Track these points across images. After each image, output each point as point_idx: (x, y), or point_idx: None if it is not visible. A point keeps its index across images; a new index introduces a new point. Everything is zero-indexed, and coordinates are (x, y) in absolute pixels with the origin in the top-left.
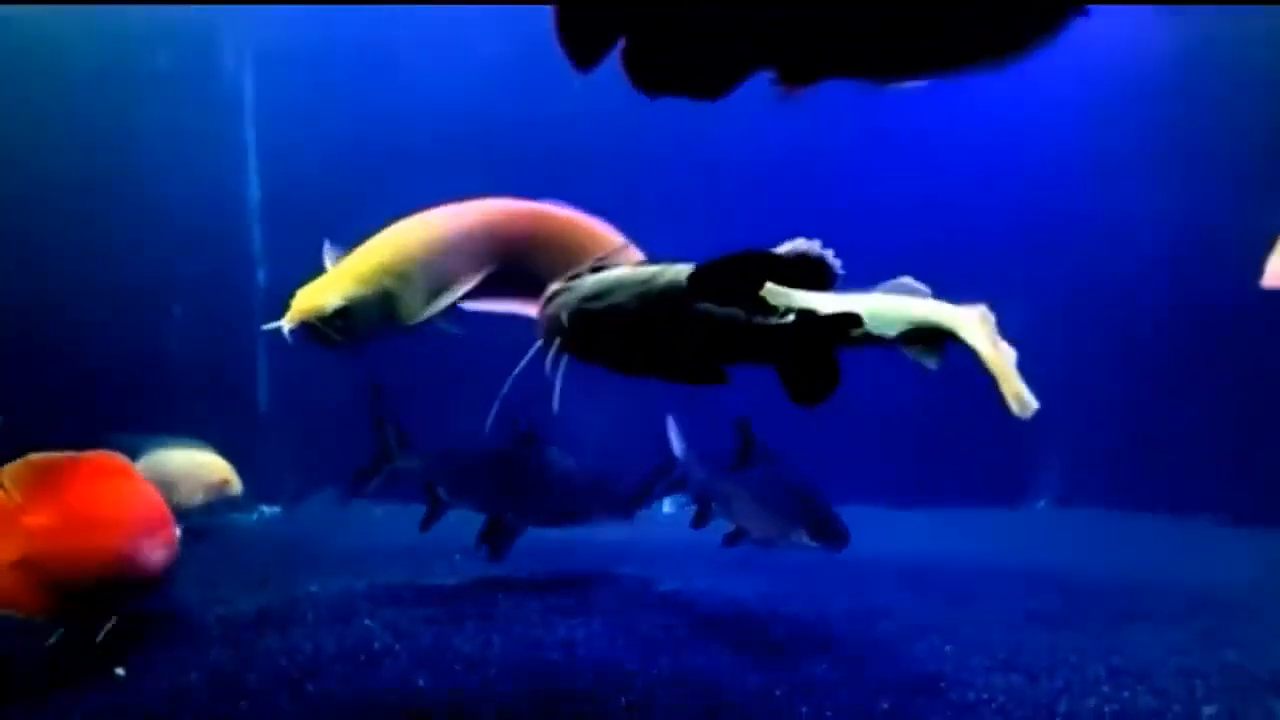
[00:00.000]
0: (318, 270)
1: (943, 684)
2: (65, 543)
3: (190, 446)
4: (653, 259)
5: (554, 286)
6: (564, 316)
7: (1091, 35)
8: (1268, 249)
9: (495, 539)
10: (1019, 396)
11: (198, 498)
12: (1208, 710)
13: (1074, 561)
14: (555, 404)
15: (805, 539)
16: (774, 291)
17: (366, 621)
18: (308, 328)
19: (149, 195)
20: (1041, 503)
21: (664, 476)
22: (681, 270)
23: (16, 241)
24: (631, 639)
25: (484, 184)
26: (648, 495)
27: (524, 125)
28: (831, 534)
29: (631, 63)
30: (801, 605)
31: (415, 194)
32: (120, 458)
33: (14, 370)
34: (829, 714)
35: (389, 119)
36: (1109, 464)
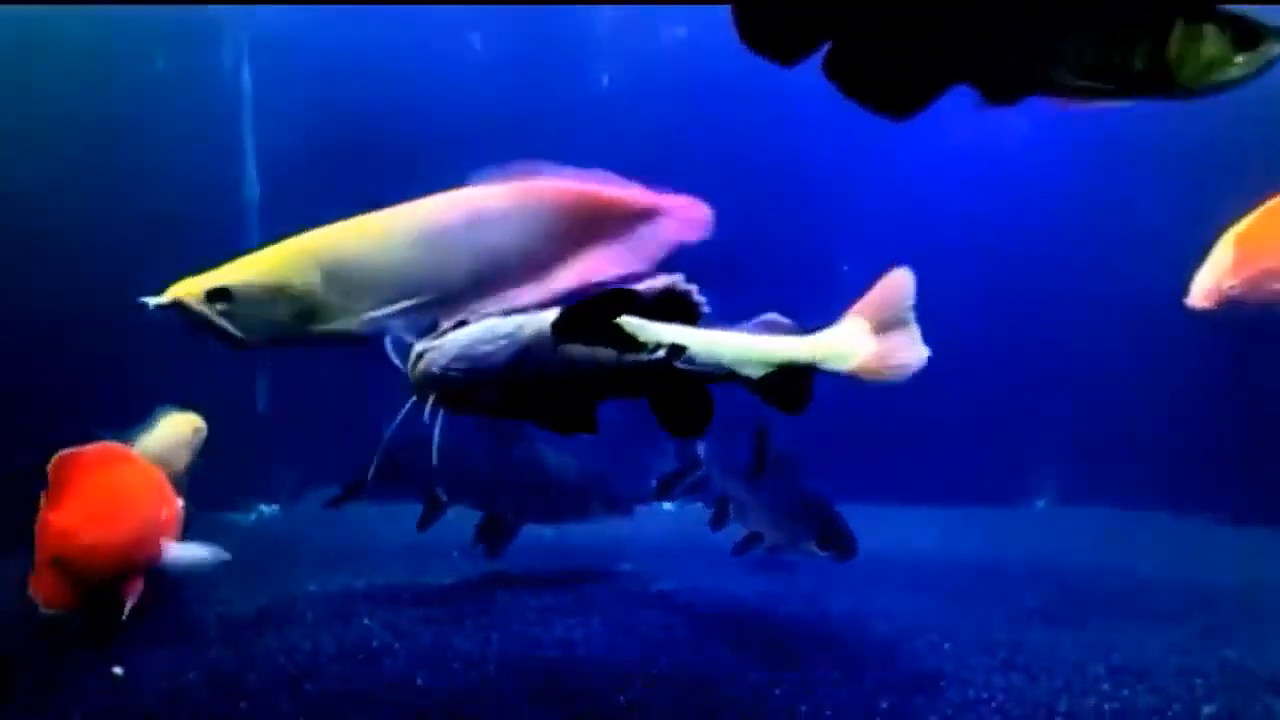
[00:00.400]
0: None
1: (942, 683)
2: (90, 537)
3: (159, 418)
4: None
5: (420, 346)
6: (434, 375)
7: None
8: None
9: (492, 536)
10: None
11: (184, 457)
12: (1207, 709)
13: (1073, 560)
14: (434, 457)
15: (814, 548)
16: (642, 328)
17: (365, 620)
18: (183, 310)
19: (149, 193)
20: (1041, 501)
21: (686, 477)
22: (546, 318)
23: (13, 239)
24: (630, 637)
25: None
26: (668, 492)
27: (530, 120)
28: (839, 544)
29: (835, 68)
30: (801, 604)
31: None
32: (118, 445)
33: (11, 371)
34: (828, 713)
35: (391, 116)
36: (1109, 463)
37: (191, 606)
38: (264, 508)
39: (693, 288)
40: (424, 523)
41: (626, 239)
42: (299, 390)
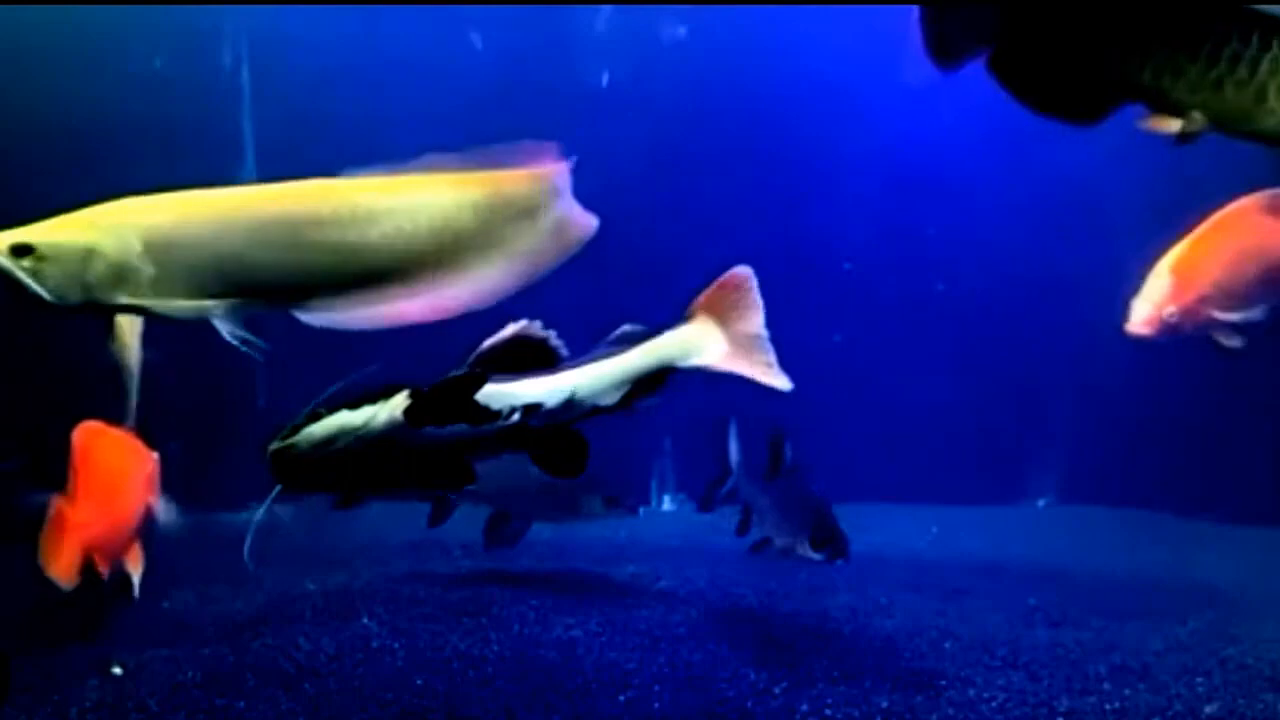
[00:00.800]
0: None
1: (943, 681)
2: (105, 520)
3: None
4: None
5: (273, 446)
6: (292, 470)
7: None
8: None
9: (498, 533)
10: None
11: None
12: (1209, 708)
13: (1075, 559)
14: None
15: (808, 550)
16: (495, 394)
17: (364, 620)
18: None
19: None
20: (1042, 501)
21: (720, 486)
22: (396, 405)
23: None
24: (630, 637)
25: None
26: (707, 503)
27: (528, 117)
28: (828, 544)
29: (1004, 72)
30: (801, 602)
31: None
32: (91, 423)
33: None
34: (828, 712)
35: (390, 114)
36: (1109, 462)
37: (190, 606)
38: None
39: (551, 333)
40: (435, 520)
41: (530, 237)
42: (299, 388)
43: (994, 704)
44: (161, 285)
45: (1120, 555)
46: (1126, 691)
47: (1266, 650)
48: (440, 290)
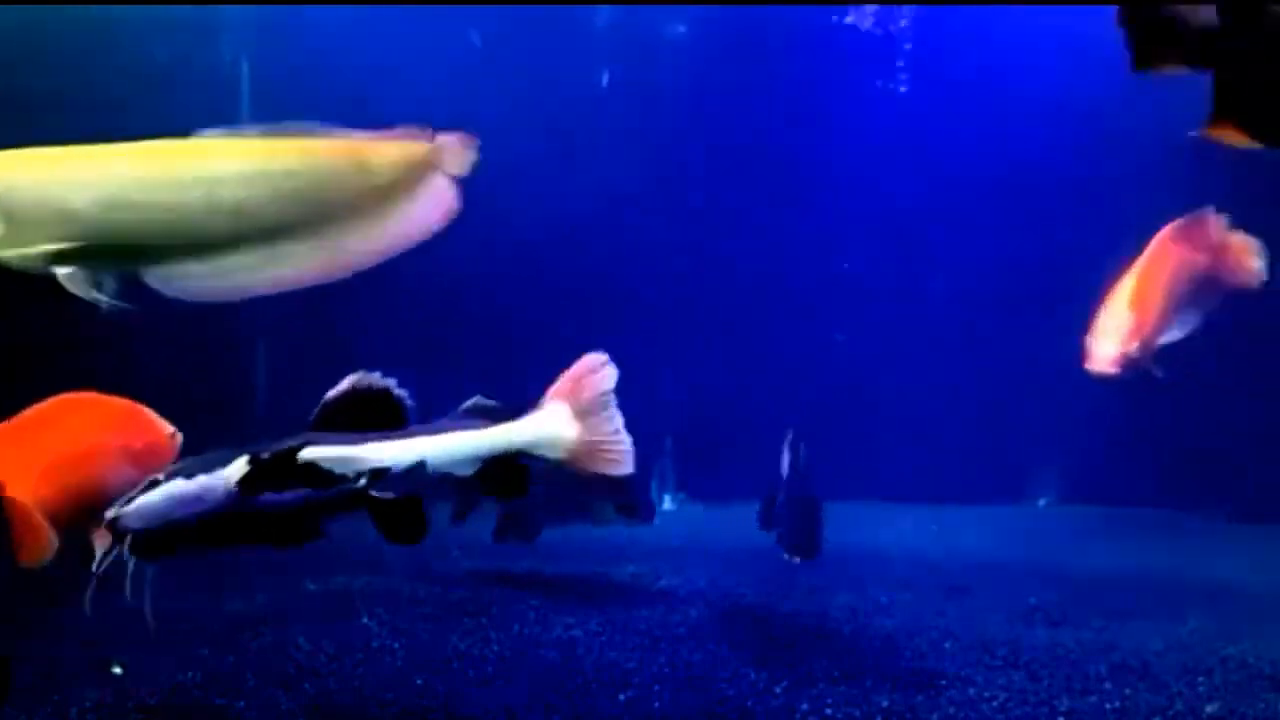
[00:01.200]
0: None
1: (943, 681)
2: (69, 492)
3: None
4: None
5: (110, 513)
6: (130, 540)
7: None
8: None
9: (508, 529)
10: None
11: None
12: (1210, 708)
13: (1075, 558)
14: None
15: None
16: (342, 458)
17: (364, 620)
18: None
19: None
20: (1043, 500)
21: (774, 502)
22: (232, 475)
23: None
24: (630, 637)
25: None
26: (767, 523)
27: (522, 121)
28: (795, 546)
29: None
30: (801, 602)
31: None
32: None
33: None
34: (829, 711)
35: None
36: (1110, 461)
37: (190, 605)
38: None
39: (389, 382)
40: (458, 516)
41: (405, 202)
42: (299, 386)
43: (994, 703)
44: (9, 240)
45: (1120, 554)
46: (1127, 691)
47: (1267, 649)
48: (294, 258)
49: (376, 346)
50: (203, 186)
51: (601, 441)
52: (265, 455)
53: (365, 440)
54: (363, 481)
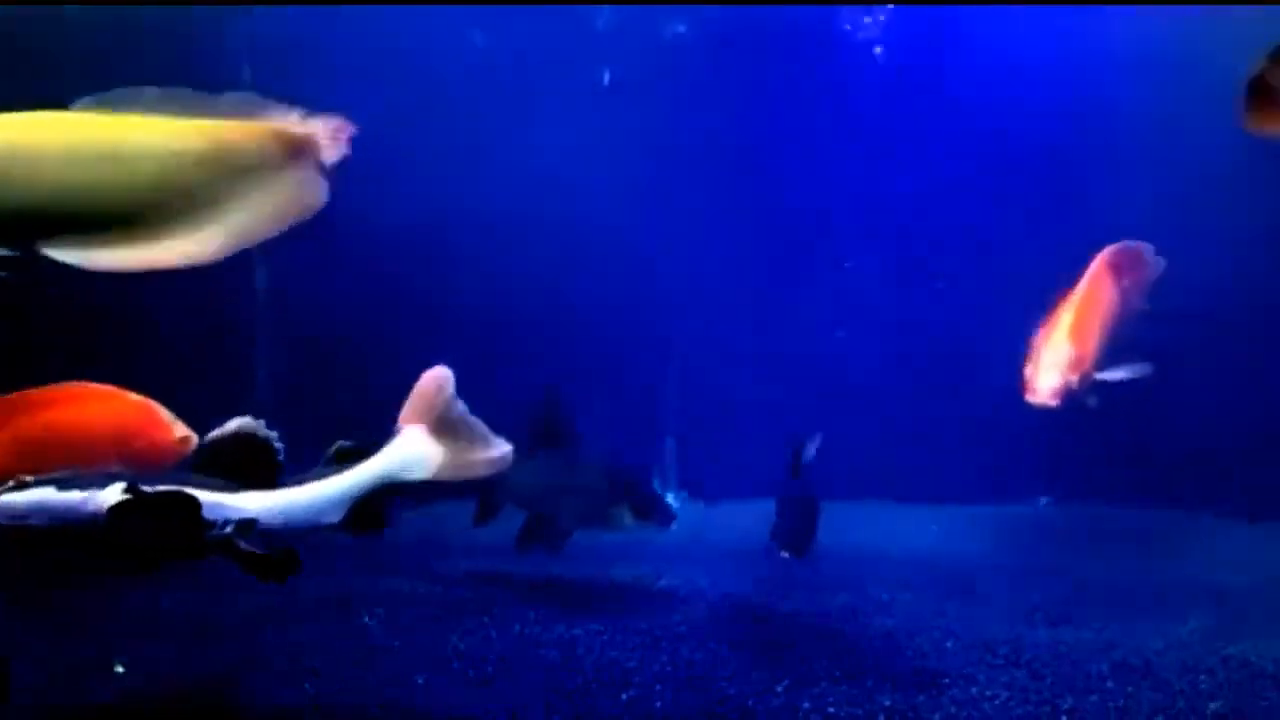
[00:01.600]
0: (309, 272)
1: (945, 680)
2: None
3: None
4: None
5: None
6: None
7: None
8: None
9: (533, 537)
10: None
11: None
12: (1212, 706)
13: (1076, 557)
14: None
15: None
16: (211, 505)
17: (365, 619)
18: None
19: None
20: (1044, 499)
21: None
22: (105, 501)
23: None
24: (631, 636)
25: (476, 185)
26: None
27: (521, 124)
28: (785, 544)
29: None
30: (802, 601)
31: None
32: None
33: None
34: (831, 710)
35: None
36: (1111, 460)
37: (191, 605)
38: None
39: (272, 435)
40: (480, 519)
41: (274, 184)
42: (299, 389)
43: (996, 702)
44: None
45: (1122, 553)
46: (1129, 689)
47: (1269, 647)
48: (158, 241)
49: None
50: (57, 163)
51: (466, 448)
52: (145, 489)
53: (239, 490)
54: (229, 529)
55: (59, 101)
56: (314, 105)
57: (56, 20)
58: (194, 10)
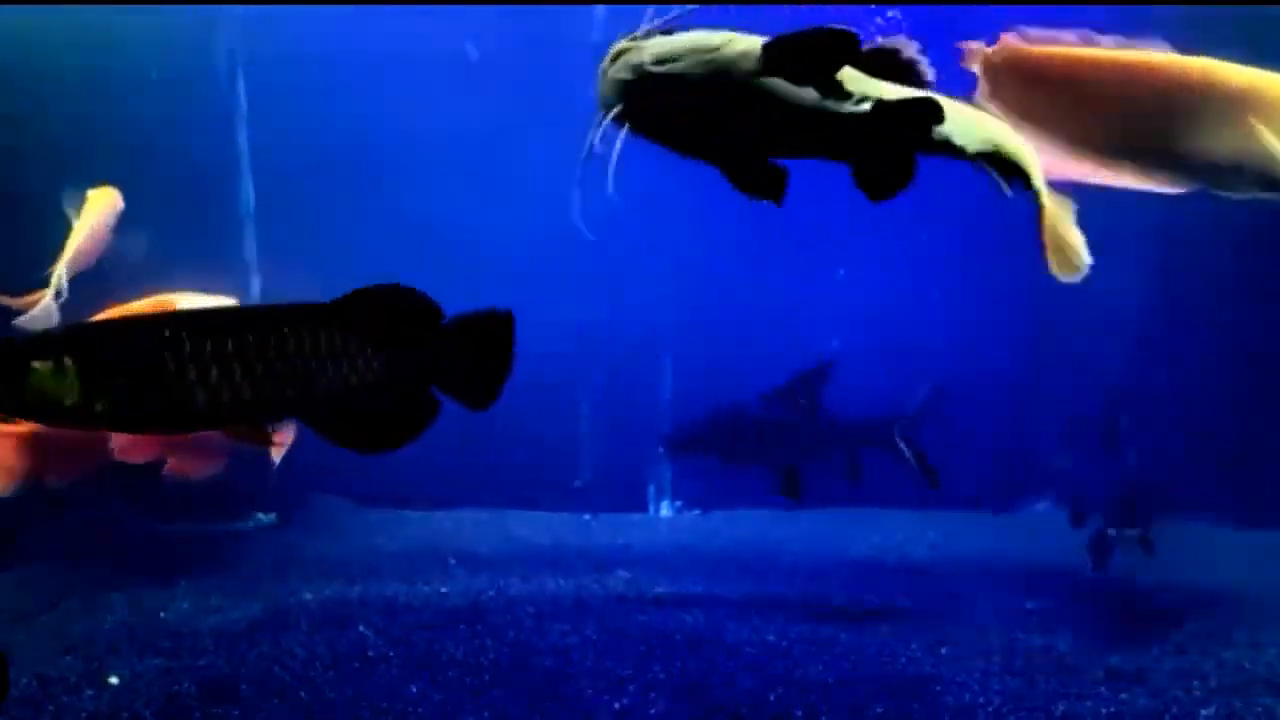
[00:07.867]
0: (309, 274)
1: (939, 686)
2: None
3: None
4: None
5: (619, 44)
6: (627, 78)
7: None
8: None
9: (790, 487)
10: (1065, 254)
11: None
12: (1205, 711)
13: (1072, 563)
14: (610, 185)
15: None
16: (852, 78)
17: (360, 628)
18: None
19: (142, 197)
20: (1041, 505)
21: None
22: (755, 41)
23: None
24: (625, 643)
25: (475, 190)
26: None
27: (515, 131)
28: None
29: None
30: (797, 607)
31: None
32: None
33: None
34: (824, 717)
35: (383, 123)
36: (1111, 463)
37: (186, 615)
38: (261, 516)
39: (924, 59)
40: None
41: None
42: None
43: (990, 709)
44: None
45: (1117, 560)
46: (1123, 695)
47: (1263, 653)
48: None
49: None
50: None
51: None
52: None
53: None
54: (867, 106)
55: None
56: None
57: None
58: None
